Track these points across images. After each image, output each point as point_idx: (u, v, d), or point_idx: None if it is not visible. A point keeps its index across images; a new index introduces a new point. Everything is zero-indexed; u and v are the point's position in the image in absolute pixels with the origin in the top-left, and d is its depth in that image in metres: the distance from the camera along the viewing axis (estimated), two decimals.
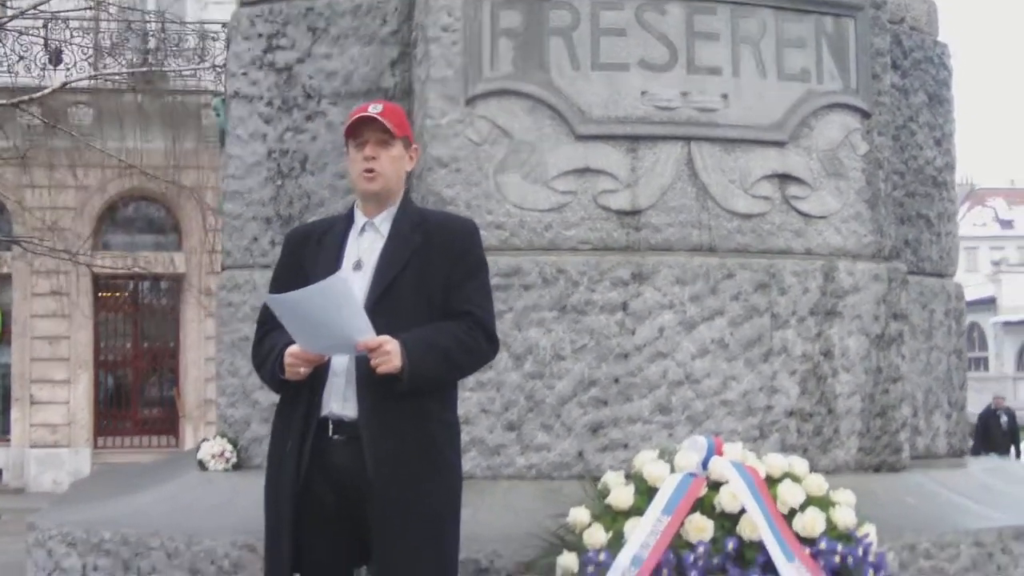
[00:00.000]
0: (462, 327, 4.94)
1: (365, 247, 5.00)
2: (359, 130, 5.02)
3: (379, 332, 4.74)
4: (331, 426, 4.84)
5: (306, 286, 4.81)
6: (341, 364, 4.85)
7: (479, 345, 5.03)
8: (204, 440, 8.13)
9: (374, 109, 5.02)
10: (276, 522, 4.92)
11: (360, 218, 5.06)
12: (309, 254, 5.05)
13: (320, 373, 4.85)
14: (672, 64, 7.73)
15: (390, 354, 4.69)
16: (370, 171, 4.99)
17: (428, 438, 4.90)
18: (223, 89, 17.30)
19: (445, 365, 4.92)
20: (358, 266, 4.96)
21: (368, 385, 4.78)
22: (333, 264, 4.95)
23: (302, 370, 4.81)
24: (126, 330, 29.57)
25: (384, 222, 5.03)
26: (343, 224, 5.09)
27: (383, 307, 4.82)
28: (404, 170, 5.12)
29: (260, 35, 8.40)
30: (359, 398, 4.81)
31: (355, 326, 4.69)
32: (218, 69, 24.26)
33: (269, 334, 5.04)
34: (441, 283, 4.96)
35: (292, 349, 4.81)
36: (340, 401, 4.85)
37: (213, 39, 26.16)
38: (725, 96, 7.76)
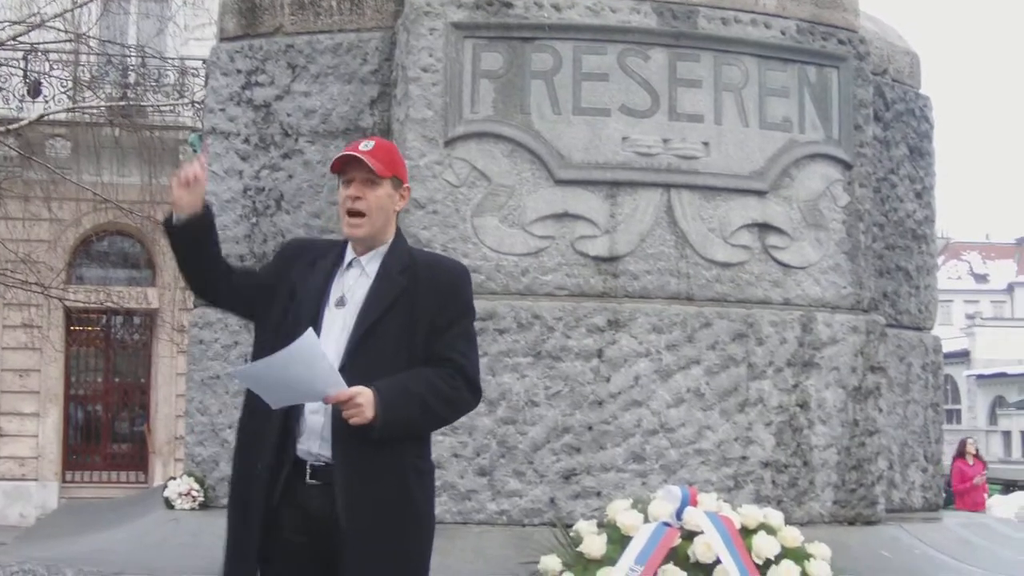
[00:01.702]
0: (443, 375, 4.80)
1: (349, 284, 4.85)
2: (345, 168, 4.85)
3: (359, 373, 4.62)
4: (308, 470, 4.74)
5: (288, 309, 4.79)
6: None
7: (460, 394, 4.89)
8: (171, 479, 8.05)
9: (365, 147, 4.84)
10: (242, 539, 4.78)
11: (349, 253, 4.90)
12: (299, 273, 4.90)
13: (295, 406, 4.73)
14: (654, 110, 7.70)
15: (362, 407, 4.54)
16: (354, 213, 4.83)
17: (403, 486, 4.78)
18: (201, 125, 17.23)
19: (422, 414, 4.78)
20: (341, 303, 4.82)
21: (343, 431, 4.64)
22: (318, 297, 4.81)
23: (182, 196, 4.70)
24: (97, 365, 29.41)
25: (372, 261, 4.88)
26: (335, 256, 4.93)
27: (365, 348, 4.71)
28: (393, 210, 4.93)
29: (239, 71, 8.36)
30: (334, 444, 4.67)
31: (326, 381, 4.58)
32: (197, 105, 24.20)
33: None
34: (425, 327, 4.81)
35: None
36: (318, 440, 4.72)
37: (193, 75, 26.10)
38: (706, 144, 7.73)
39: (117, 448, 29.01)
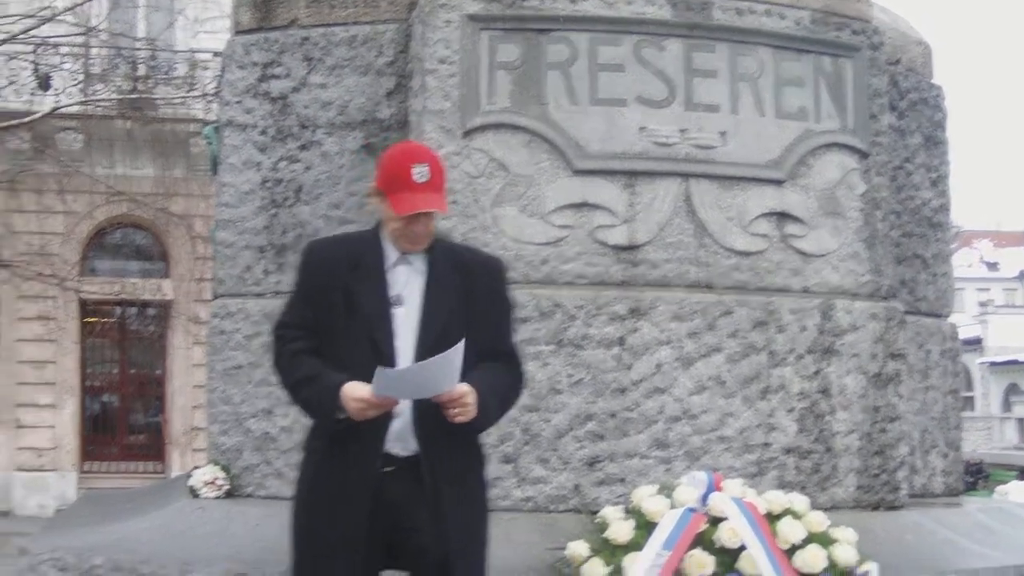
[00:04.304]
0: (506, 369, 5.03)
1: (402, 281, 4.92)
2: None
3: None
4: (389, 462, 4.83)
5: (348, 311, 4.84)
6: (402, 404, 4.82)
7: (519, 385, 5.15)
8: (196, 467, 8.06)
9: (420, 176, 4.86)
10: (338, 548, 4.84)
11: (391, 249, 4.95)
12: (346, 276, 4.91)
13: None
14: (670, 100, 7.72)
15: (469, 406, 4.73)
16: (420, 235, 4.93)
17: (475, 472, 5.02)
18: (212, 117, 17.16)
19: (501, 408, 5.03)
20: (398, 301, 4.89)
21: (426, 428, 4.79)
22: (380, 296, 4.87)
23: (371, 413, 4.74)
24: (113, 356, 29.48)
25: (418, 258, 4.95)
26: (375, 252, 4.96)
27: (436, 349, 4.75)
28: None
29: (255, 64, 8.37)
30: (419, 440, 4.82)
31: (449, 382, 4.69)
32: (208, 98, 24.24)
33: (301, 355, 4.96)
34: (482, 323, 4.95)
35: (359, 393, 4.70)
36: (398, 444, 4.84)
37: (203, 68, 26.13)
38: (723, 133, 7.74)
39: (133, 439, 29.09)
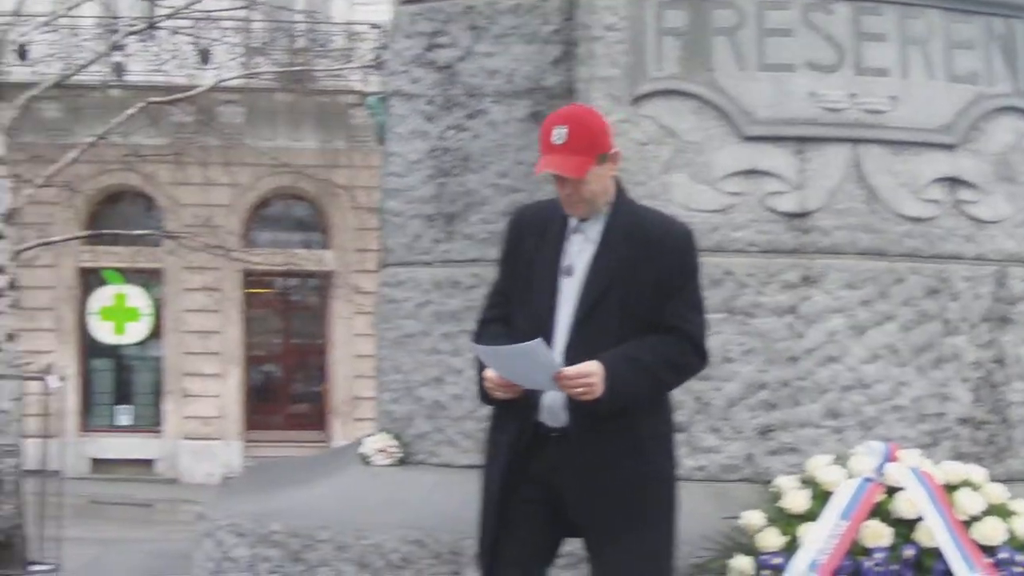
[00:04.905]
0: (669, 342, 4.83)
1: (575, 251, 4.88)
2: None
3: (584, 346, 4.72)
4: (542, 428, 4.87)
5: (526, 278, 4.90)
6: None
7: (688, 360, 4.96)
8: (367, 435, 8.13)
9: (558, 137, 4.76)
10: (487, 504, 4.99)
11: (572, 219, 4.93)
12: (533, 243, 4.95)
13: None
14: (839, 65, 7.62)
15: (593, 385, 4.63)
16: (569, 199, 4.86)
17: (639, 448, 4.88)
18: (370, 89, 17.29)
19: (650, 384, 4.83)
20: (568, 271, 4.86)
21: (577, 403, 4.75)
22: (552, 268, 4.87)
23: (499, 394, 4.82)
24: (275, 326, 29.94)
25: (594, 225, 4.88)
26: (560, 220, 4.93)
27: (589, 321, 4.78)
28: (610, 179, 4.92)
29: (421, 33, 8.41)
30: (570, 411, 4.80)
31: (541, 374, 4.68)
32: (367, 70, 24.45)
33: (489, 324, 5.08)
34: (650, 295, 4.81)
35: (489, 374, 4.83)
36: (550, 415, 4.86)
37: (361, 39, 26.34)
38: (893, 98, 7.63)
39: (296, 408, 29.54)
